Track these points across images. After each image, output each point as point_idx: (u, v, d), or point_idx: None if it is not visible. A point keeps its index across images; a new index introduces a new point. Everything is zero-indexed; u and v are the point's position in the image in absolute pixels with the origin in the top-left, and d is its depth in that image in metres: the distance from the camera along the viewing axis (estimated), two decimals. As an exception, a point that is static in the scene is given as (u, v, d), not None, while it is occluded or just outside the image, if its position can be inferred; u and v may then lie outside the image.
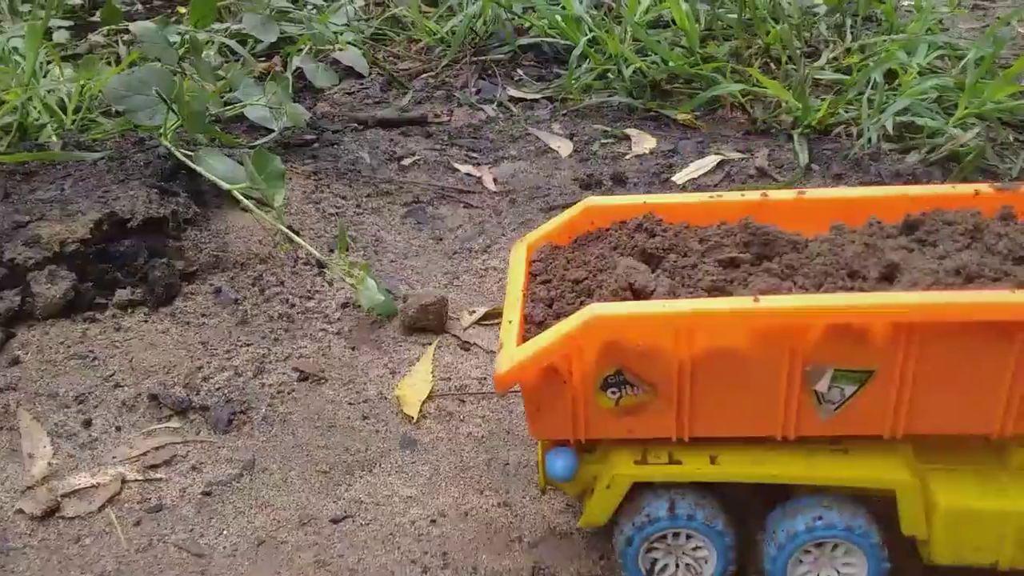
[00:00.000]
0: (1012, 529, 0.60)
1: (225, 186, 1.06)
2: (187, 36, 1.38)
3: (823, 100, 1.31)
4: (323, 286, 1.04)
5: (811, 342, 0.58)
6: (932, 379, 0.59)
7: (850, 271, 0.63)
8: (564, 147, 1.32)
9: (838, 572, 0.63)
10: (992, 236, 0.65)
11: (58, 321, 0.94)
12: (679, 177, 1.21)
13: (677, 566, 0.65)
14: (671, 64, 1.41)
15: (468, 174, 1.26)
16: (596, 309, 0.59)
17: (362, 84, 1.56)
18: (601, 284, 0.66)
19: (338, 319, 0.99)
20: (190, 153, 1.13)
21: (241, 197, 1.05)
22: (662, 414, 0.62)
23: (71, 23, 1.83)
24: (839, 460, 0.63)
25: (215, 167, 1.10)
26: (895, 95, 1.27)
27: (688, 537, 0.64)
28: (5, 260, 0.95)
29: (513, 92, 1.50)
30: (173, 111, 1.15)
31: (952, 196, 0.71)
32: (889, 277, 0.62)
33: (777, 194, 0.73)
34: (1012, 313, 0.56)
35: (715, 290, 0.64)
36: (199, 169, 1.09)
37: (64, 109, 1.36)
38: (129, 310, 0.96)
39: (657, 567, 0.65)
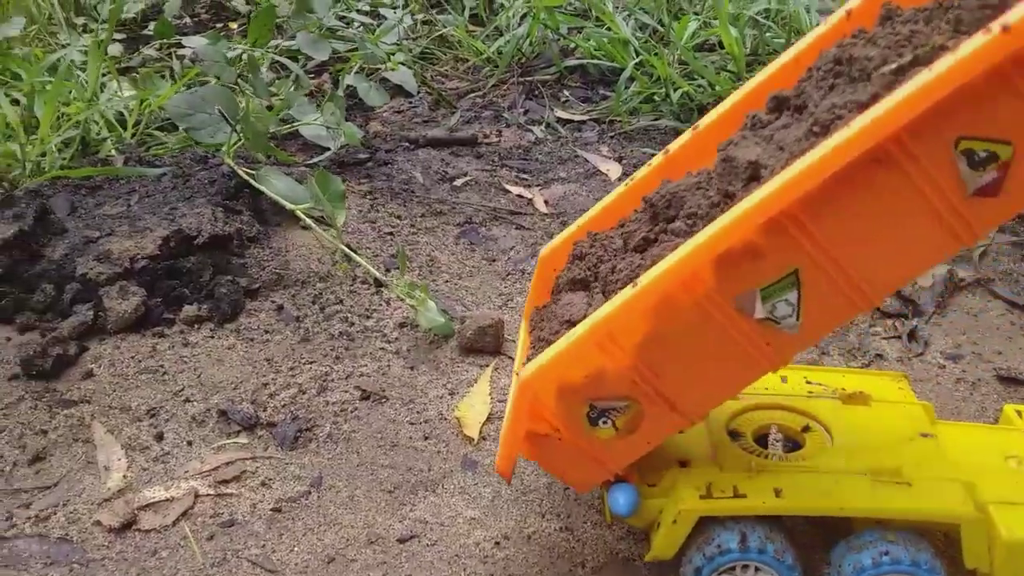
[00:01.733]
0: None
1: (289, 206, 1.09)
2: (244, 54, 1.41)
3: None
4: (381, 305, 1.06)
5: (712, 282, 0.56)
6: (859, 241, 0.55)
7: (725, 193, 0.61)
8: (613, 170, 1.34)
9: None
10: (856, 65, 0.59)
11: (128, 336, 0.96)
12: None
13: None
14: (718, 88, 1.43)
15: (519, 195, 1.28)
16: (522, 374, 0.60)
17: (411, 103, 1.58)
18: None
19: (396, 339, 1.01)
20: (252, 172, 1.15)
21: (304, 217, 1.08)
22: (659, 414, 0.62)
23: (123, 36, 1.87)
24: (903, 492, 0.64)
25: (276, 186, 1.13)
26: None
27: (757, 570, 0.65)
28: (78, 275, 0.98)
29: (560, 113, 1.51)
30: (235, 130, 1.18)
31: (825, 35, 0.67)
32: (755, 176, 0.59)
33: (677, 143, 0.72)
34: (868, 140, 0.51)
35: (632, 281, 0.62)
36: (262, 188, 1.12)
37: (122, 124, 1.40)
38: (196, 326, 0.99)
39: None
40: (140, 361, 0.94)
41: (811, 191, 0.52)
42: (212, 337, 0.98)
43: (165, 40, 1.77)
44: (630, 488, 0.66)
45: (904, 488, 0.64)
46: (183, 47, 1.70)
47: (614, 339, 0.58)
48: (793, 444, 0.73)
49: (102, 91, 1.45)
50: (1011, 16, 0.47)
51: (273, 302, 1.04)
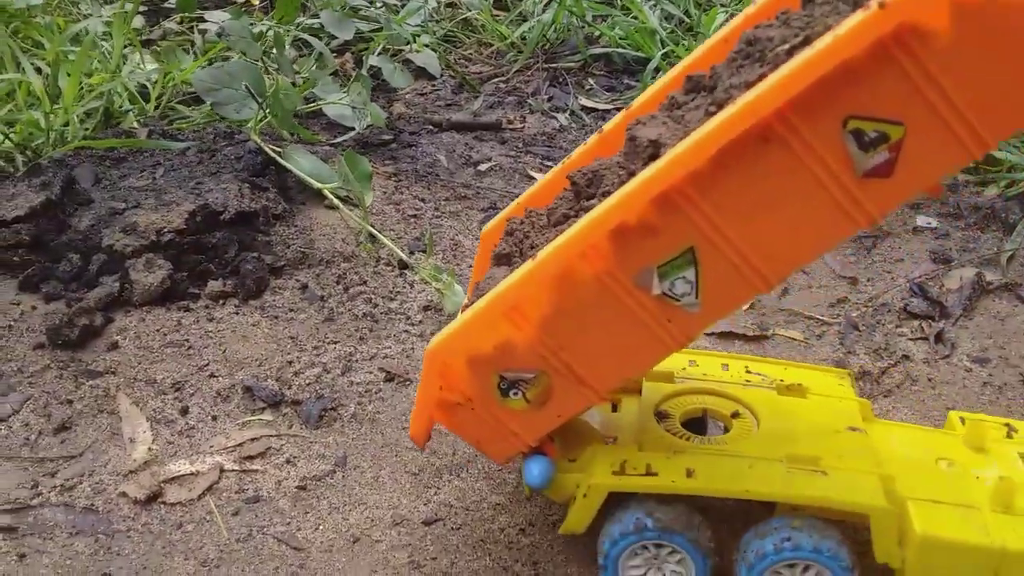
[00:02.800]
0: (989, 569, 0.60)
1: (316, 185, 1.08)
2: (269, 31, 1.40)
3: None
4: (404, 288, 1.06)
5: (610, 257, 0.57)
6: (752, 220, 0.55)
7: (629, 172, 0.61)
8: (638, 160, 1.33)
9: None
10: (758, 46, 0.59)
11: (153, 309, 0.96)
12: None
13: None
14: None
15: (544, 183, 1.28)
16: (431, 343, 0.63)
17: (434, 86, 1.57)
18: None
19: (420, 321, 1.01)
20: (278, 149, 1.15)
21: (332, 196, 1.07)
22: (567, 387, 0.63)
23: (145, 8, 1.86)
24: (817, 481, 0.63)
25: (302, 164, 1.12)
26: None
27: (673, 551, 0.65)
28: (104, 246, 0.97)
29: (585, 101, 1.51)
30: (261, 106, 1.18)
31: (752, 15, 0.66)
32: (655, 155, 0.58)
33: (610, 123, 0.72)
34: (749, 118, 0.51)
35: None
36: (288, 165, 1.11)
37: (144, 96, 1.39)
38: (221, 301, 0.98)
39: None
40: (165, 335, 0.94)
41: (699, 168, 0.53)
42: (237, 313, 0.98)
43: (187, 14, 1.76)
44: (544, 460, 0.67)
45: (819, 477, 0.64)
46: (205, 21, 1.69)
47: (519, 310, 0.59)
48: (723, 430, 0.74)
49: (125, 63, 1.45)
50: None
51: (297, 280, 1.04)
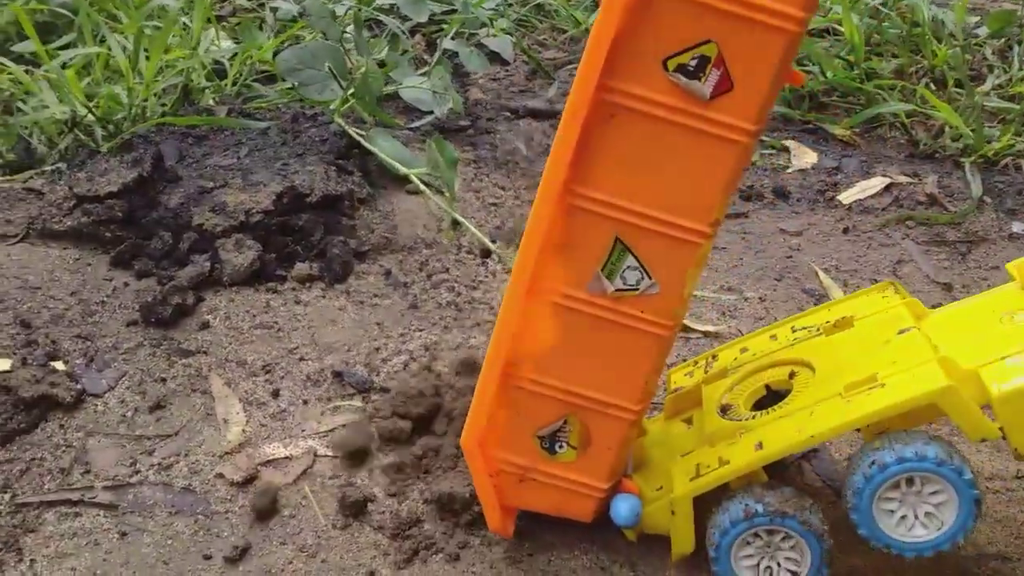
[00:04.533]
0: None
1: (403, 170, 1.07)
2: (347, 11, 1.39)
3: (997, 128, 1.26)
4: (487, 277, 1.05)
5: (556, 281, 0.60)
6: (646, 187, 0.57)
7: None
8: (718, 154, 1.30)
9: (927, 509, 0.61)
10: None
11: (242, 289, 0.96)
12: (844, 197, 1.18)
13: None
14: (830, 75, 1.38)
15: (624, 174, 1.26)
16: (462, 438, 0.65)
17: (507, 71, 1.55)
18: None
19: (504, 312, 1.00)
20: (362, 133, 1.14)
21: (418, 181, 1.06)
22: (598, 418, 0.64)
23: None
24: (875, 396, 0.61)
25: (386, 148, 1.11)
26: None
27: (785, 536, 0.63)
28: (194, 225, 0.97)
29: (661, 92, 1.48)
30: (343, 89, 1.17)
31: None
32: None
33: None
34: (583, 103, 0.55)
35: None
36: (373, 149, 1.10)
37: (219, 74, 1.39)
38: (307, 284, 0.98)
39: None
40: (255, 316, 0.94)
41: (573, 162, 0.56)
42: (323, 297, 0.97)
43: (257, -9, 1.76)
44: (628, 497, 0.66)
45: (877, 391, 0.61)
46: (273, -1, 1.69)
47: (508, 371, 0.61)
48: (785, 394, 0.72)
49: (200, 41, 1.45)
50: None
51: (381, 266, 1.03)
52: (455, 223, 1.08)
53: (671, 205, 0.58)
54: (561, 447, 0.64)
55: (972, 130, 1.26)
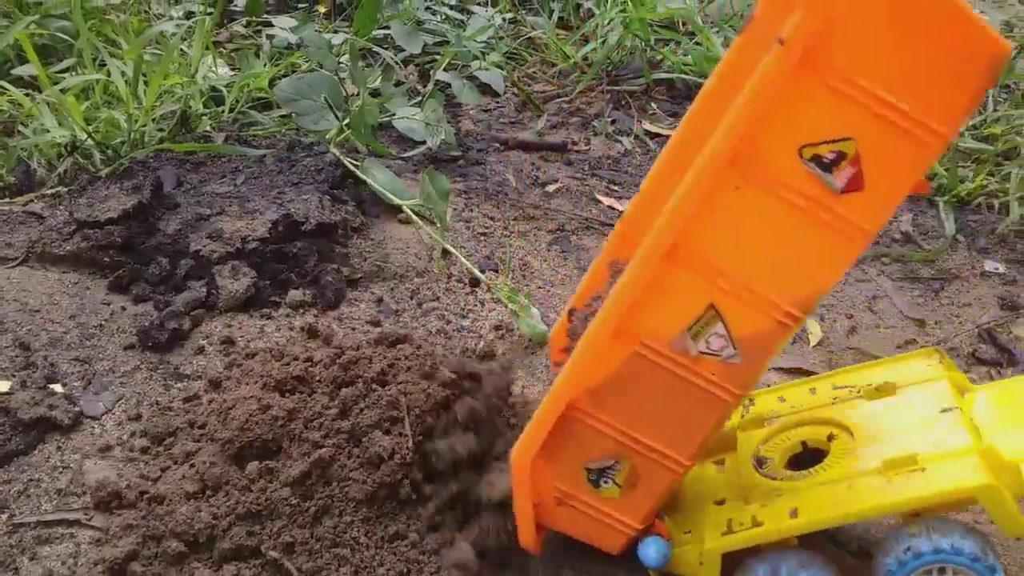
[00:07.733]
0: None
1: (396, 201, 1.11)
2: (343, 43, 1.43)
3: (971, 168, 1.31)
4: (476, 305, 1.08)
5: (642, 331, 0.60)
6: (759, 263, 0.58)
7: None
8: (702, 188, 1.34)
9: None
10: None
11: (237, 315, 0.98)
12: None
13: None
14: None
15: (611, 207, 1.29)
16: (513, 450, 0.64)
17: (497, 103, 1.59)
18: None
19: (491, 340, 1.03)
20: (356, 163, 1.17)
21: (410, 212, 1.09)
22: (650, 464, 0.64)
23: (212, 11, 1.89)
24: (916, 481, 0.61)
25: (380, 178, 1.14)
26: (1042, 172, 1.27)
27: None
28: (192, 251, 1.00)
29: (648, 126, 1.52)
30: (338, 119, 1.20)
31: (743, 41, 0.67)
32: None
33: (630, 205, 0.74)
34: (710, 175, 0.55)
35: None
36: (366, 179, 1.13)
37: (216, 101, 1.42)
38: (300, 311, 1.01)
39: None
40: (249, 341, 0.96)
41: (690, 218, 0.56)
42: (316, 323, 1.00)
43: (254, 17, 1.79)
44: (658, 540, 0.67)
45: (917, 475, 0.61)
46: (271, 25, 1.72)
47: (575, 404, 0.62)
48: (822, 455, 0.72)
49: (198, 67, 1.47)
50: (784, 31, 0.51)
51: (373, 293, 1.06)
52: (445, 252, 1.11)
53: (775, 286, 0.58)
54: (607, 483, 0.65)
55: (946, 170, 1.30)
